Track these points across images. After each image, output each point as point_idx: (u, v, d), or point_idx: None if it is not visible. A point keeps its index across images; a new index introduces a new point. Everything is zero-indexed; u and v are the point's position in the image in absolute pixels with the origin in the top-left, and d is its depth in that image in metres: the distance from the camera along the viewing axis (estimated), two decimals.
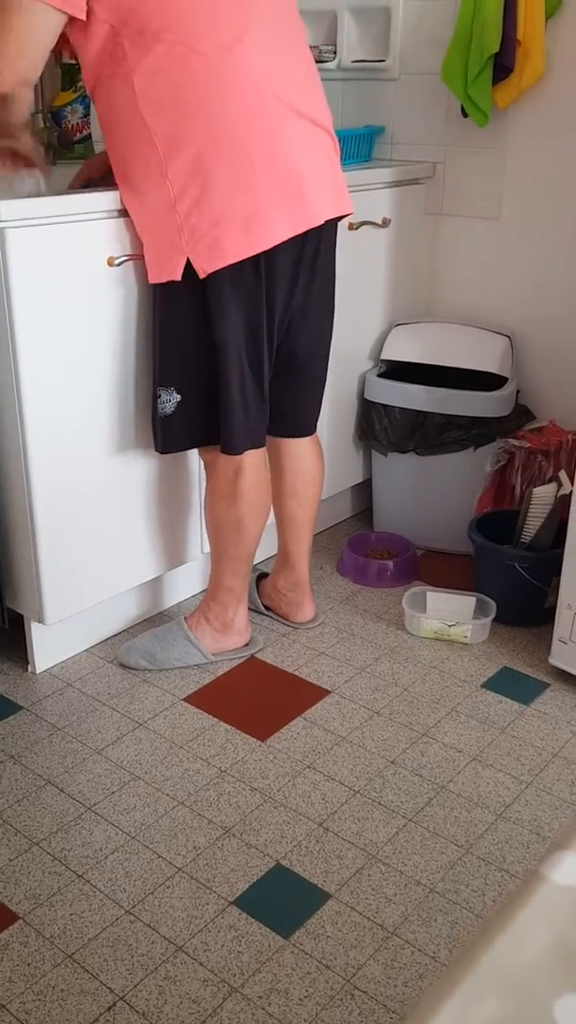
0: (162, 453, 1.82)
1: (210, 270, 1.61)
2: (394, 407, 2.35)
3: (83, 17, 1.52)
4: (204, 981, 1.30)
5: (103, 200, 1.68)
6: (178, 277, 1.63)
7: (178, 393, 1.74)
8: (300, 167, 1.63)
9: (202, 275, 1.61)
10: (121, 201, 1.68)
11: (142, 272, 1.76)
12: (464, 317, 2.50)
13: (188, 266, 1.62)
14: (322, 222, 1.70)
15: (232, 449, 1.77)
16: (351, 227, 2.17)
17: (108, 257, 1.70)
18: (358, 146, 2.38)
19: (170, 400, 1.74)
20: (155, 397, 1.76)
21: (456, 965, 0.47)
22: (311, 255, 1.73)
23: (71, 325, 1.69)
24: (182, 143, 1.56)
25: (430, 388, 2.31)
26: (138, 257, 1.73)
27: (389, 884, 1.45)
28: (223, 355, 1.69)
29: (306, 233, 1.68)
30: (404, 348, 2.41)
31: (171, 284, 1.65)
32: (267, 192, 1.59)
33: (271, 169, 1.59)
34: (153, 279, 1.67)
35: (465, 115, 2.29)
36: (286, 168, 1.61)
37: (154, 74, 1.54)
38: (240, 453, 1.78)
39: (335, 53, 2.46)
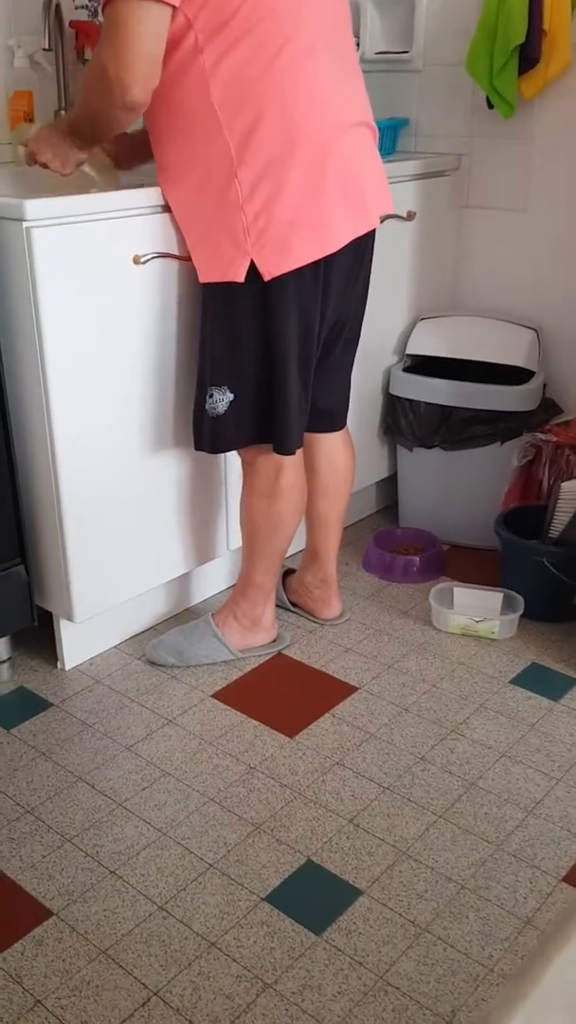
0: (212, 453, 1.83)
1: (276, 273, 1.61)
2: (419, 402, 2.36)
3: (177, 4, 1.49)
4: (237, 977, 1.32)
5: (129, 198, 1.69)
6: (241, 278, 1.62)
7: (231, 392, 1.74)
8: (362, 173, 1.67)
9: (267, 278, 1.62)
10: (165, 197, 1.69)
11: (177, 270, 1.78)
12: (490, 311, 2.50)
13: (248, 268, 1.63)
14: (378, 223, 1.74)
15: (288, 450, 1.78)
16: None
17: (134, 255, 1.72)
18: (382, 139, 2.37)
19: (223, 399, 1.74)
20: (205, 397, 1.75)
21: (520, 980, 0.48)
22: (361, 256, 1.76)
23: (99, 324, 1.71)
24: (256, 145, 1.56)
25: (456, 382, 2.32)
26: (169, 255, 1.75)
27: (420, 880, 1.47)
28: (282, 357, 1.69)
29: (361, 235, 1.70)
30: (429, 342, 2.41)
31: (227, 284, 1.65)
32: (335, 197, 1.62)
33: (340, 176, 1.62)
34: (207, 279, 1.67)
35: (491, 106, 2.29)
36: (352, 175, 1.64)
37: (235, 74, 1.53)
38: (293, 453, 1.80)
39: (358, 45, 2.45)
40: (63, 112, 2.30)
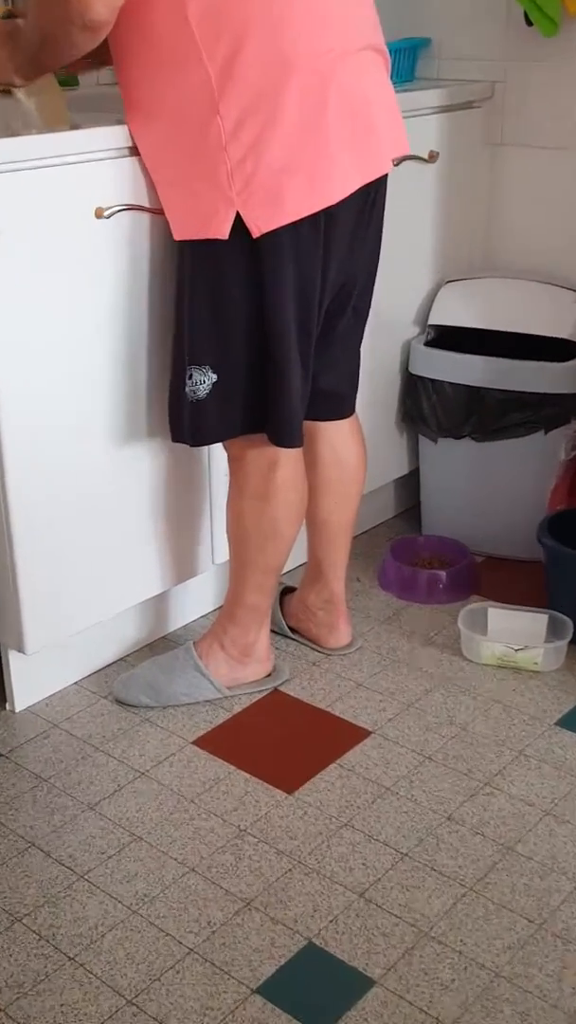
0: (193, 445, 1.84)
1: (267, 228, 1.62)
2: (445, 382, 2.36)
3: None
4: None
5: (89, 139, 1.69)
6: (225, 235, 1.63)
7: (214, 373, 1.74)
8: (371, 106, 1.67)
9: (257, 234, 1.62)
10: (133, 138, 1.70)
11: (148, 225, 1.79)
12: (530, 271, 2.51)
13: (234, 221, 1.63)
14: (391, 167, 1.74)
15: (289, 442, 1.79)
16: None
17: (97, 208, 1.72)
18: (398, 63, 2.38)
19: (204, 381, 1.75)
20: (183, 378, 1.76)
21: None
22: (370, 206, 1.77)
23: (55, 290, 1.71)
24: (242, 73, 1.56)
25: (489, 359, 2.32)
26: (138, 208, 1.75)
27: (445, 967, 1.47)
28: (277, 331, 1.70)
29: (370, 182, 1.71)
30: (457, 311, 2.41)
31: (208, 242, 1.65)
32: (338, 136, 1.62)
33: (343, 110, 1.62)
34: (184, 235, 1.68)
35: (530, 23, 2.29)
36: (358, 109, 1.65)
37: None
38: (297, 446, 1.81)
39: None
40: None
